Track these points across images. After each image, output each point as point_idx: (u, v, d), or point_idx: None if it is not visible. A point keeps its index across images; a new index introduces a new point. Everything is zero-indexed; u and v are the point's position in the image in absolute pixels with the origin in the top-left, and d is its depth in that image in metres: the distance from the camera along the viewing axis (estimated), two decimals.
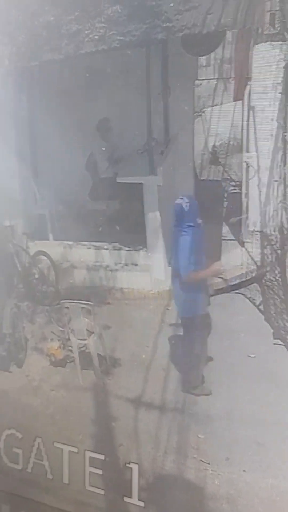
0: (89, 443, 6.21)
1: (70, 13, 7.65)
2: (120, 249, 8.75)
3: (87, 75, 8.94)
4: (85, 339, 7.01)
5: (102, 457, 5.97)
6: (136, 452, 6.03)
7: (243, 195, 8.65)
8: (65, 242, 8.97)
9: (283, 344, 7.00)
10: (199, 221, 6.17)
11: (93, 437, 6.32)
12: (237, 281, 7.91)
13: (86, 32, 7.56)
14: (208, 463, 5.75)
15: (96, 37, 7.53)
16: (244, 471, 5.59)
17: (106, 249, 8.80)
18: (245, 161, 8.54)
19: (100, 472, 5.91)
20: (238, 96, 10.14)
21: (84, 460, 5.97)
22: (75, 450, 6.05)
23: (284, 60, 8.13)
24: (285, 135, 8.20)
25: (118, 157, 9.05)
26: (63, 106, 8.76)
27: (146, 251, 8.58)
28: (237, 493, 5.43)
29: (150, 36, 7.40)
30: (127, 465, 5.80)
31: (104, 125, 9.12)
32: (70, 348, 7.25)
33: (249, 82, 8.38)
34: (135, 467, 5.75)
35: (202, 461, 5.79)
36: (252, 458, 5.68)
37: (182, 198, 6.20)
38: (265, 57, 8.21)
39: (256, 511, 5.28)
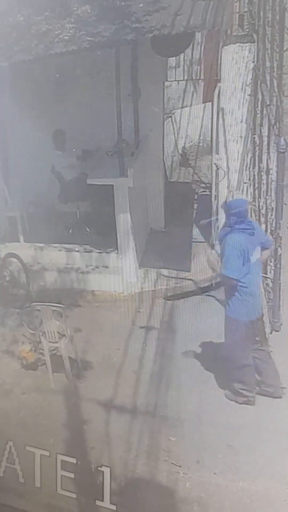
0: (60, 446, 6.19)
1: (39, 13, 7.62)
2: (91, 251, 8.75)
3: (57, 75, 8.91)
4: (56, 342, 7.00)
5: (74, 460, 5.95)
6: (107, 455, 6.03)
7: (213, 197, 8.70)
8: (36, 244, 8.94)
9: None
10: None
11: (65, 440, 6.31)
12: (208, 283, 7.95)
13: (56, 32, 7.53)
14: (179, 466, 5.78)
15: (66, 37, 7.51)
16: (214, 473, 5.64)
17: (77, 251, 8.79)
18: (214, 163, 8.58)
19: (72, 475, 5.90)
20: (207, 97, 10.17)
21: (56, 463, 5.95)
22: (47, 453, 6.03)
23: (253, 62, 8.17)
24: (254, 137, 8.28)
25: (88, 159, 9.03)
26: (34, 107, 8.72)
27: (117, 253, 8.59)
28: (208, 496, 5.47)
29: (119, 37, 7.41)
30: (99, 468, 5.80)
31: (59, 137, 9.10)
32: (41, 351, 7.21)
33: (218, 84, 8.38)
34: (106, 471, 5.75)
35: (174, 464, 5.82)
36: (223, 460, 5.73)
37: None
38: (234, 59, 8.22)
39: None
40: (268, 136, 7.36)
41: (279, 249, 6.90)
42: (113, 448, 6.12)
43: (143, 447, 6.06)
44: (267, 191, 7.51)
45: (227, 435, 5.97)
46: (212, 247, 8.45)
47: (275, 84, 7.01)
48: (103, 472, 5.76)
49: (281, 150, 6.59)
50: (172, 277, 8.33)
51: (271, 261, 7.19)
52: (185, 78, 11.08)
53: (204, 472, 5.68)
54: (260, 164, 7.97)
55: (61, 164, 9.13)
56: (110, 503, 5.62)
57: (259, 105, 8.00)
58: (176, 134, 11.04)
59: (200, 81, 11.08)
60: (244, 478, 5.51)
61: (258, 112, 8.08)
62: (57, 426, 6.48)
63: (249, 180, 8.44)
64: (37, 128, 8.59)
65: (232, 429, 6.04)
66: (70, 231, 8.99)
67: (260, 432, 5.97)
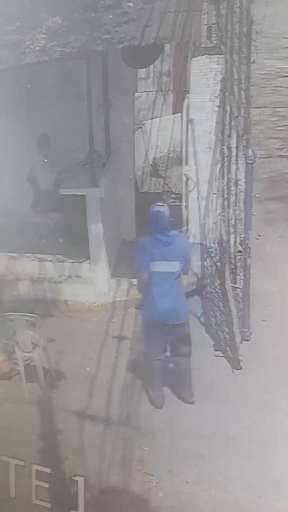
0: (35, 456, 6.21)
1: (11, 24, 7.62)
2: (63, 261, 8.79)
3: (28, 86, 8.92)
4: (30, 352, 7.01)
5: (48, 470, 5.97)
6: (81, 465, 6.07)
7: (183, 208, 8.80)
8: (9, 254, 8.95)
9: (223, 355, 7.20)
10: None
11: (39, 450, 6.33)
12: None
13: (27, 43, 7.53)
14: (152, 475, 5.84)
15: (37, 48, 7.51)
16: (187, 482, 5.72)
17: (50, 261, 8.83)
18: (184, 174, 8.69)
19: (46, 485, 5.91)
20: (177, 108, 10.29)
21: (31, 473, 5.96)
22: (22, 463, 6.02)
23: (221, 74, 8.28)
24: (223, 148, 8.38)
25: (60, 170, 9.07)
26: (5, 117, 8.72)
27: (89, 263, 8.66)
28: (180, 505, 5.55)
29: (90, 48, 7.42)
30: (73, 478, 5.82)
31: (43, 141, 9.13)
32: (15, 361, 7.20)
33: (187, 95, 8.52)
34: (81, 480, 5.77)
35: (147, 473, 5.88)
36: (195, 470, 5.82)
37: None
38: (202, 70, 8.36)
39: None
40: (237, 147, 7.47)
41: (248, 259, 6.99)
42: (87, 458, 6.16)
43: (117, 457, 6.12)
44: (236, 202, 7.63)
45: (198, 444, 6.08)
46: None
47: (243, 96, 7.09)
48: (77, 481, 5.78)
49: (249, 161, 6.68)
50: None
51: (240, 271, 7.32)
52: (155, 89, 11.17)
53: (176, 481, 5.76)
54: (229, 175, 8.08)
55: (41, 170, 9.21)
56: None
57: (228, 116, 8.12)
58: (146, 145, 11.13)
59: (169, 92, 11.19)
60: (216, 487, 5.61)
61: (226, 123, 8.21)
62: (31, 436, 6.50)
63: (218, 190, 8.56)
64: (10, 137, 8.61)
65: (204, 438, 6.15)
66: (43, 241, 9.01)
67: (231, 440, 6.10)
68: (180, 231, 8.65)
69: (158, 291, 6.23)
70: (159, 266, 6.14)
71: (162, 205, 6.13)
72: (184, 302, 6.50)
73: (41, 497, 5.84)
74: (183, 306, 6.44)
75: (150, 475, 5.87)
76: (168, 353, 6.61)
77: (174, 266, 6.15)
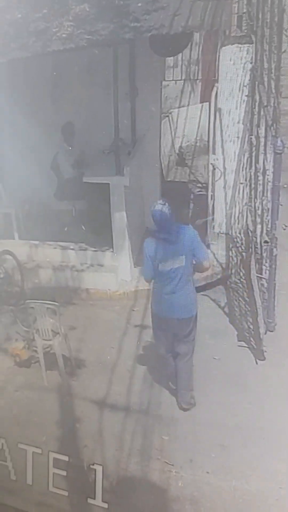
0: (53, 444, 6.18)
1: (37, 11, 7.56)
2: (86, 249, 8.73)
3: (54, 73, 8.90)
4: (50, 340, 6.97)
5: (66, 458, 5.93)
6: (100, 454, 6.02)
7: (209, 197, 8.72)
8: (31, 241, 8.93)
9: (247, 346, 7.08)
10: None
11: (57, 438, 6.30)
12: (203, 283, 7.93)
13: (54, 30, 7.47)
14: (172, 465, 5.77)
15: (64, 35, 7.46)
16: (207, 473, 5.63)
17: (72, 249, 8.77)
18: (211, 163, 8.60)
19: (64, 473, 5.87)
20: (205, 97, 10.22)
21: (48, 461, 5.93)
22: (39, 451, 6.00)
23: (251, 63, 8.20)
24: (251, 138, 8.28)
25: (85, 157, 9.01)
26: (30, 105, 8.72)
27: (112, 251, 8.57)
28: (200, 495, 5.46)
29: (117, 36, 7.36)
30: (91, 466, 5.77)
31: (68, 130, 9.06)
32: (35, 348, 7.16)
33: (216, 84, 8.44)
34: (99, 469, 5.72)
35: (166, 462, 5.81)
36: (215, 460, 5.72)
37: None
38: (232, 59, 8.26)
39: None
40: (265, 137, 7.35)
41: (274, 249, 6.89)
42: (105, 446, 6.10)
43: (136, 446, 6.05)
44: (263, 192, 7.51)
45: (220, 434, 5.97)
46: (208, 246, 8.44)
47: (273, 85, 6.98)
48: (95, 470, 5.73)
49: (278, 151, 6.58)
50: None
51: (266, 262, 7.20)
52: (183, 78, 11.11)
53: (196, 471, 5.67)
54: (257, 165, 7.96)
55: (64, 158, 9.15)
56: (102, 501, 5.59)
57: (257, 106, 8.01)
58: (173, 134, 11.06)
59: (198, 81, 11.11)
60: (237, 478, 5.51)
61: (255, 113, 8.10)
62: (49, 424, 6.46)
63: (246, 180, 8.45)
64: (34, 125, 8.58)
65: (225, 428, 6.04)
66: (66, 229, 8.98)
67: (253, 431, 5.98)
68: (206, 221, 8.61)
69: (166, 288, 6.04)
70: (167, 265, 5.94)
71: (163, 204, 5.91)
72: (192, 296, 6.18)
73: (58, 485, 5.80)
74: (190, 300, 6.16)
75: (169, 464, 5.79)
76: None
77: (181, 261, 5.92)
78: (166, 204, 5.87)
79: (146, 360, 7.08)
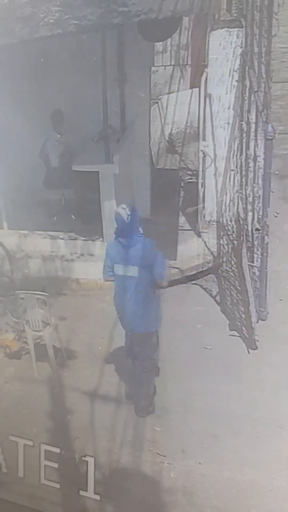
0: (44, 436, 6.15)
1: None
2: (76, 238, 8.67)
3: (42, 60, 8.76)
4: (40, 331, 6.93)
5: (57, 450, 5.91)
6: (92, 445, 6.00)
7: (199, 185, 8.64)
8: (20, 231, 8.85)
9: (238, 335, 7.05)
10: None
11: (49, 430, 6.27)
12: (194, 271, 7.90)
13: (41, 15, 7.34)
14: (164, 456, 5.75)
15: (51, 21, 7.33)
16: (199, 463, 5.62)
17: (62, 238, 8.70)
18: (201, 150, 8.52)
19: (55, 465, 5.86)
20: (194, 83, 10.08)
21: (40, 453, 5.91)
22: (30, 443, 5.98)
23: (241, 47, 8.09)
24: (242, 124, 8.20)
25: (73, 145, 8.91)
26: (18, 92, 8.58)
27: (102, 241, 8.49)
28: (192, 485, 5.45)
29: (106, 21, 7.23)
30: (83, 458, 5.76)
31: (57, 117, 8.95)
32: (25, 339, 7.11)
33: (205, 69, 8.32)
34: (91, 460, 5.70)
35: (158, 453, 5.79)
36: (208, 450, 5.70)
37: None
38: (221, 44, 8.15)
39: (212, 503, 5.31)
40: (256, 123, 7.27)
41: (265, 237, 6.83)
42: (97, 438, 6.08)
43: (128, 437, 6.03)
44: (254, 179, 7.43)
45: (212, 424, 5.94)
46: (199, 235, 8.40)
47: (263, 70, 6.93)
48: (87, 462, 5.71)
49: (269, 137, 6.49)
50: None
51: (257, 250, 7.15)
52: (172, 63, 10.97)
53: (189, 462, 5.65)
54: (248, 151, 7.88)
55: (53, 146, 9.06)
56: (94, 493, 5.58)
57: (247, 91, 7.91)
58: (162, 120, 10.94)
59: (187, 66, 10.97)
60: (230, 468, 5.49)
61: (245, 98, 8.00)
62: (40, 416, 6.43)
63: (236, 167, 8.38)
64: (22, 113, 8.46)
65: (217, 418, 6.01)
66: (55, 218, 8.89)
67: (245, 421, 5.96)
68: (196, 209, 8.54)
69: (121, 294, 5.99)
70: (120, 269, 5.89)
71: (124, 208, 5.78)
72: (150, 311, 6.00)
73: (50, 477, 5.79)
74: (148, 315, 5.99)
75: (162, 455, 5.77)
76: None
77: (133, 271, 5.81)
78: (127, 209, 5.74)
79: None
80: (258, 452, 5.60)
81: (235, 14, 8.19)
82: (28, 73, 8.85)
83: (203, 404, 6.19)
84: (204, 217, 8.70)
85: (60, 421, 6.36)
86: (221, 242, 8.46)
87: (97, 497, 5.53)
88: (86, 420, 6.29)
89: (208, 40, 8.22)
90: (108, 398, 6.49)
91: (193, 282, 7.88)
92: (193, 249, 8.41)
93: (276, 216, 7.91)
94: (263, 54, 6.93)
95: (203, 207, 8.63)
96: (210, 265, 8.22)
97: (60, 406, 6.54)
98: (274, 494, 5.27)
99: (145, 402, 6.25)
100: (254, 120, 7.41)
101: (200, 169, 8.63)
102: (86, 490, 5.56)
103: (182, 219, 8.97)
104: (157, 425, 6.07)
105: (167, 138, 11.14)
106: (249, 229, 7.74)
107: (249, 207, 7.73)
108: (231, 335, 7.09)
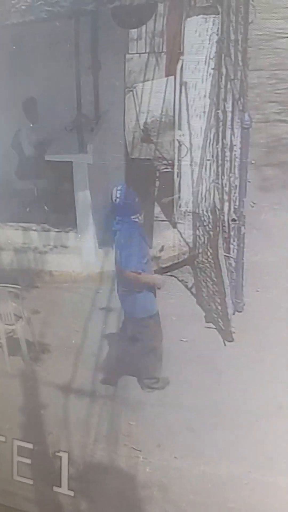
0: (17, 431, 6.11)
1: None
2: (49, 230, 8.46)
3: (13, 47, 8.61)
4: (12, 325, 6.86)
5: (30, 446, 5.88)
6: (65, 441, 5.98)
7: (175, 175, 8.48)
8: None
9: (215, 327, 6.93)
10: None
11: (22, 425, 6.23)
12: (169, 263, 7.81)
13: (12, 2, 7.25)
14: (140, 450, 5.74)
15: (23, 7, 7.23)
16: (175, 457, 5.58)
17: (35, 230, 8.49)
18: (177, 139, 8.38)
19: (28, 461, 5.83)
20: (170, 71, 9.96)
21: (12, 449, 5.87)
22: (3, 439, 5.96)
23: (217, 34, 7.98)
24: (218, 112, 8.11)
25: (46, 135, 8.77)
26: None
27: (76, 232, 8.33)
28: (168, 480, 5.43)
29: (79, 7, 7.16)
30: (57, 453, 5.73)
31: (30, 106, 8.74)
32: None
33: (181, 57, 8.19)
34: (64, 456, 5.70)
35: (134, 448, 5.77)
36: (184, 444, 5.67)
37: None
38: (197, 31, 8.02)
39: (188, 498, 5.29)
40: (232, 112, 7.21)
41: (242, 228, 6.79)
42: (71, 433, 6.05)
43: (102, 432, 5.99)
44: (230, 169, 7.35)
45: (188, 418, 5.88)
46: (174, 225, 8.31)
47: (240, 58, 6.88)
48: (60, 457, 5.68)
49: (245, 126, 6.48)
50: None
51: (234, 240, 7.09)
52: (147, 50, 10.83)
53: (165, 456, 5.64)
54: (224, 141, 7.75)
55: (26, 135, 8.84)
56: (68, 489, 5.57)
57: (223, 79, 7.76)
58: (137, 109, 10.80)
59: (162, 54, 10.87)
60: (206, 462, 5.46)
61: (222, 86, 7.85)
62: (13, 411, 6.38)
63: (212, 157, 8.26)
64: None
65: (194, 411, 5.95)
66: (28, 209, 8.68)
67: (222, 414, 5.90)
68: (172, 199, 8.45)
69: None
70: None
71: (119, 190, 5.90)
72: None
73: (23, 473, 5.76)
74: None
75: (137, 450, 5.74)
76: None
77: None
78: (118, 192, 5.83)
79: None
80: (234, 446, 5.58)
81: (211, 1, 8.08)
82: None
83: (180, 398, 6.11)
84: (180, 207, 8.61)
85: (33, 416, 6.32)
86: (197, 233, 8.34)
87: (71, 493, 5.52)
88: (60, 414, 6.26)
89: (184, 27, 8.09)
90: (82, 392, 6.42)
91: (168, 274, 7.80)
92: (168, 240, 8.32)
93: (252, 207, 7.81)
94: (240, 42, 6.88)
95: (179, 197, 8.53)
96: (185, 256, 8.08)
97: (33, 401, 6.47)
98: (250, 488, 5.25)
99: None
100: (230, 109, 7.34)
101: (176, 158, 8.50)
102: (60, 486, 5.54)
103: (157, 210, 8.87)
104: (132, 419, 6.01)
105: (142, 127, 11.01)
106: (226, 219, 7.63)
107: (226, 197, 7.61)
108: (207, 327, 6.97)
